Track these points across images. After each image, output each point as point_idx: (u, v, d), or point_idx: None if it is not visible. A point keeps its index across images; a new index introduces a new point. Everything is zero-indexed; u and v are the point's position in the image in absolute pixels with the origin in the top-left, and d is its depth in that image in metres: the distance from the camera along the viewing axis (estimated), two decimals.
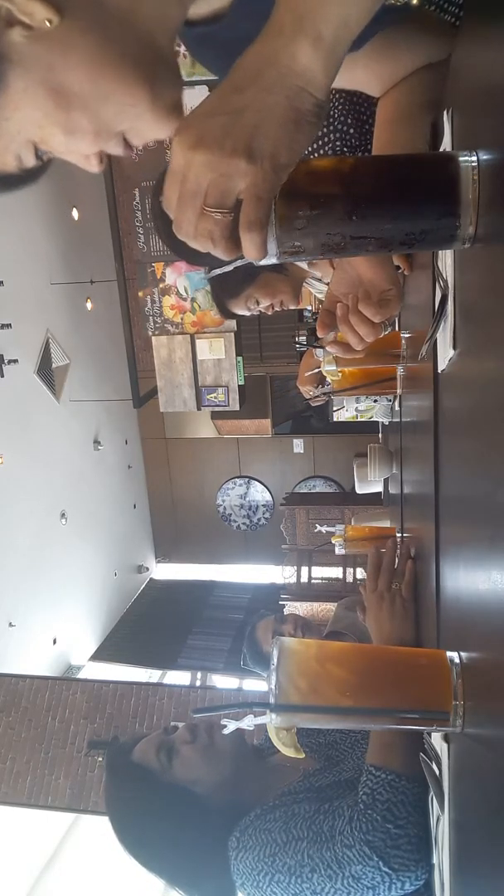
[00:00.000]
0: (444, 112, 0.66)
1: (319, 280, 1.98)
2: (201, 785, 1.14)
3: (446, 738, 0.70)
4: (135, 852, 1.13)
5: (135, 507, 8.29)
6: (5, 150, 0.54)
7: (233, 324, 5.03)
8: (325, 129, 1.27)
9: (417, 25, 0.87)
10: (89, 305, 6.50)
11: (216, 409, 5.37)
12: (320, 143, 1.28)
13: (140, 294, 5.06)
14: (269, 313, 1.84)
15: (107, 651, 6.93)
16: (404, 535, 1.37)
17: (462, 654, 0.62)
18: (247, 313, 1.84)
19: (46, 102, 0.51)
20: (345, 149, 1.28)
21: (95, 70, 0.51)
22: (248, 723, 0.68)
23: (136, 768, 1.18)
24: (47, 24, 0.48)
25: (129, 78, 0.53)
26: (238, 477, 8.50)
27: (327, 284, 1.98)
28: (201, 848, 1.10)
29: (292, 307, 1.87)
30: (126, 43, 0.52)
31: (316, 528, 6.58)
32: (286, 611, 5.99)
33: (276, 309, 1.83)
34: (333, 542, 1.91)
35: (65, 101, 0.51)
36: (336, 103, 1.26)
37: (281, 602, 6.90)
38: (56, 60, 0.50)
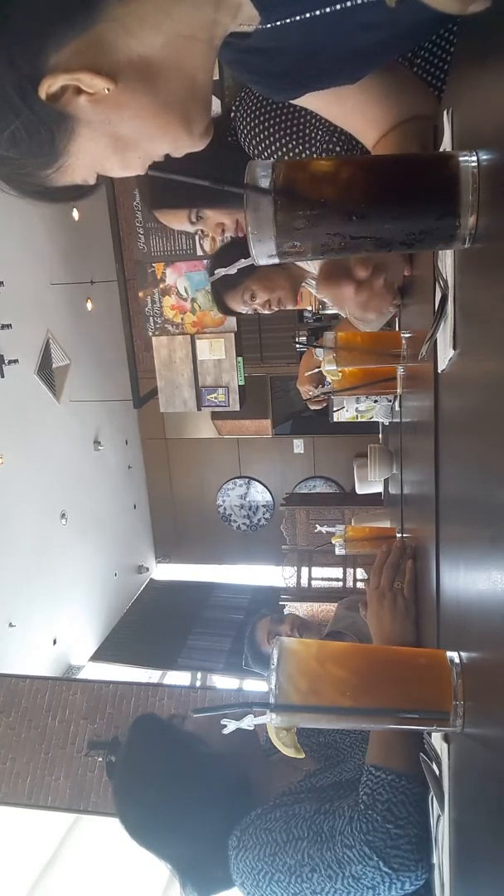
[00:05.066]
0: (444, 112, 0.66)
1: None
2: (210, 740, 1.18)
3: (446, 738, 0.70)
4: (132, 820, 1.15)
5: (135, 507, 8.29)
6: (74, 174, 0.68)
7: (233, 324, 5.03)
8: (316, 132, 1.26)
9: (405, 78, 1.01)
10: (89, 306, 6.50)
11: (216, 409, 5.37)
12: (313, 141, 1.27)
13: (140, 294, 5.06)
14: (267, 311, 1.83)
15: (107, 651, 6.93)
16: (404, 535, 1.37)
17: (462, 654, 0.62)
18: (244, 308, 1.83)
19: (106, 148, 0.65)
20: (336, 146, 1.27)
21: (143, 121, 0.65)
22: (248, 723, 0.68)
23: (155, 719, 1.28)
24: (105, 91, 0.60)
25: (170, 123, 0.66)
26: (238, 477, 8.50)
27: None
28: (201, 827, 1.10)
29: (290, 306, 1.86)
30: (168, 93, 0.64)
31: (316, 528, 6.57)
32: (286, 611, 6.00)
33: (274, 308, 1.82)
34: (333, 542, 1.91)
35: (121, 145, 0.66)
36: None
37: (281, 602, 6.90)
38: (112, 116, 0.63)
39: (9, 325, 5.25)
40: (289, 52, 0.75)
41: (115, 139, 0.65)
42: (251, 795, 1.14)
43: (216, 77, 4.36)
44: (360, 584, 6.53)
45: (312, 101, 0.93)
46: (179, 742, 1.20)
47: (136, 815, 1.15)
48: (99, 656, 6.83)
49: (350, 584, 6.70)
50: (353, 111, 0.95)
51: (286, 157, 1.27)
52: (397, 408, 1.67)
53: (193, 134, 0.68)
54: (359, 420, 2.05)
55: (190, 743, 1.20)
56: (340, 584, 6.86)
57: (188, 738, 1.21)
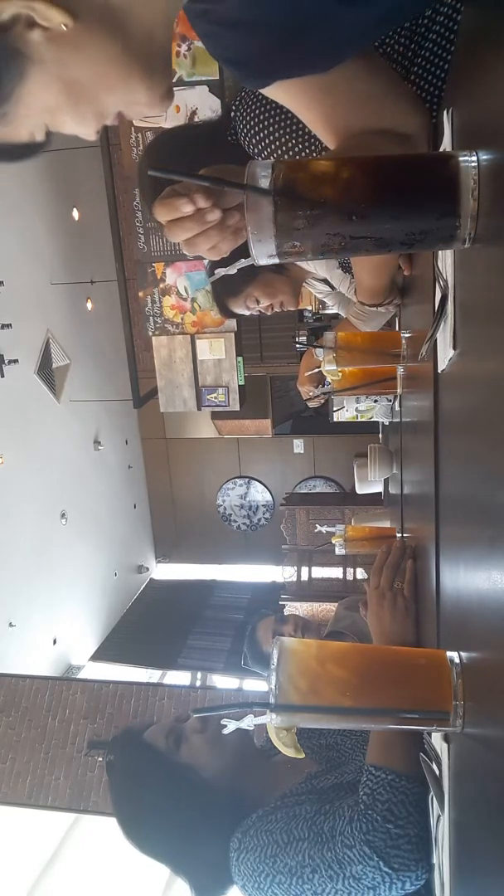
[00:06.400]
0: (445, 112, 0.66)
1: (321, 280, 1.98)
2: (205, 771, 1.16)
3: (446, 738, 0.70)
4: (132, 831, 1.14)
5: (135, 507, 8.29)
6: (20, 128, 0.61)
7: (233, 324, 5.03)
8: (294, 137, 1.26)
9: (386, 89, 0.88)
10: (89, 305, 6.50)
11: (216, 409, 5.36)
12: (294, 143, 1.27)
13: (140, 294, 5.05)
14: (269, 313, 1.84)
15: (107, 651, 6.93)
16: (404, 535, 1.37)
17: (462, 654, 0.62)
18: (246, 313, 1.84)
19: (59, 95, 0.59)
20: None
21: (102, 67, 0.59)
22: (248, 723, 0.68)
23: (144, 747, 1.21)
24: (63, 27, 0.54)
25: (130, 73, 0.60)
26: (238, 477, 8.50)
27: (328, 283, 1.98)
28: (201, 836, 1.10)
29: (291, 308, 1.87)
30: (129, 41, 0.59)
31: (316, 528, 6.56)
32: (286, 611, 6.00)
33: (276, 309, 1.83)
34: (333, 542, 1.91)
35: (75, 93, 0.59)
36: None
37: (281, 602, 6.90)
38: (69, 58, 0.57)
39: (9, 325, 5.25)
40: (266, 30, 0.70)
41: (70, 86, 0.59)
42: (252, 798, 1.14)
43: (216, 77, 4.36)
44: (360, 578, 6.53)
45: (281, 95, 0.86)
46: (170, 773, 1.16)
47: (136, 824, 1.15)
48: (99, 656, 6.83)
49: (350, 580, 6.70)
50: (318, 117, 0.87)
51: (286, 156, 1.27)
52: (397, 408, 1.67)
53: (154, 93, 0.63)
54: (359, 420, 2.05)
55: (184, 773, 1.16)
56: (340, 583, 6.86)
57: (182, 768, 1.17)
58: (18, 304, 5.42)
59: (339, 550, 1.89)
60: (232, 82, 4.47)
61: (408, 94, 0.93)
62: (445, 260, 0.68)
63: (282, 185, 0.54)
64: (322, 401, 1.97)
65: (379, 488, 2.15)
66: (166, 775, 1.16)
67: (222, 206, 0.70)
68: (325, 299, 2.17)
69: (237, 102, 1.32)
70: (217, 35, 0.74)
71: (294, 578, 7.15)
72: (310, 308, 6.24)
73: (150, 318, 5.08)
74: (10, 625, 5.32)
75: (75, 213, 6.23)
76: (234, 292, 1.77)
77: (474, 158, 0.52)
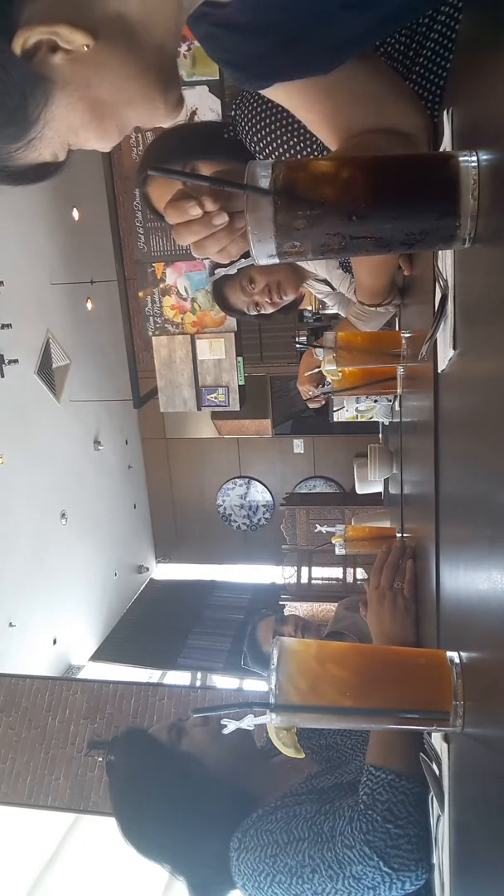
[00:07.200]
0: (445, 112, 0.66)
1: (321, 281, 1.98)
2: (206, 759, 1.17)
3: (446, 738, 0.70)
4: (132, 831, 1.14)
5: (135, 507, 8.29)
6: (44, 149, 0.62)
7: (233, 324, 5.03)
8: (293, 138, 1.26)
9: (387, 89, 0.89)
10: (89, 305, 6.50)
11: (216, 409, 5.37)
12: (293, 143, 1.27)
13: (140, 294, 5.06)
14: (268, 302, 1.80)
15: (107, 651, 6.93)
16: (404, 535, 1.37)
17: (462, 654, 0.62)
18: (245, 300, 1.80)
19: (84, 114, 0.60)
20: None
21: (123, 82, 0.60)
22: (248, 723, 0.68)
23: (146, 739, 1.23)
24: (85, 48, 0.54)
25: (149, 86, 0.62)
26: (238, 477, 8.50)
27: (328, 283, 1.98)
28: (201, 835, 1.10)
29: (291, 294, 1.83)
30: (145, 54, 0.60)
31: (316, 528, 6.57)
32: (286, 611, 6.01)
33: (275, 296, 1.79)
34: (333, 542, 1.91)
35: (99, 111, 0.60)
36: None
37: (281, 602, 6.90)
38: (92, 78, 0.58)
39: (9, 325, 5.25)
40: (267, 33, 0.71)
41: (94, 105, 0.60)
42: (252, 798, 1.14)
43: (216, 77, 4.36)
44: (360, 578, 6.53)
45: (281, 96, 0.87)
46: (172, 764, 1.18)
47: (136, 824, 1.15)
48: (99, 656, 6.83)
49: (350, 580, 6.70)
50: (319, 118, 0.88)
51: (287, 156, 1.27)
52: (397, 408, 1.67)
53: (169, 102, 0.65)
54: (359, 420, 2.05)
55: (185, 763, 1.17)
56: (340, 584, 6.86)
57: (184, 758, 1.18)
58: (18, 304, 5.42)
59: (339, 550, 1.89)
60: (232, 82, 4.47)
61: (408, 94, 0.94)
62: (445, 260, 0.68)
63: (282, 185, 0.54)
64: (322, 401, 1.97)
65: (379, 488, 2.15)
66: (167, 769, 1.17)
67: (231, 209, 0.71)
68: (325, 299, 2.17)
69: (238, 101, 1.32)
70: (217, 37, 0.74)
71: (294, 579, 7.15)
72: (310, 308, 6.23)
73: (150, 318, 5.08)
74: (10, 625, 5.32)
75: (75, 213, 6.23)
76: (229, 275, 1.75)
77: (474, 158, 0.52)
